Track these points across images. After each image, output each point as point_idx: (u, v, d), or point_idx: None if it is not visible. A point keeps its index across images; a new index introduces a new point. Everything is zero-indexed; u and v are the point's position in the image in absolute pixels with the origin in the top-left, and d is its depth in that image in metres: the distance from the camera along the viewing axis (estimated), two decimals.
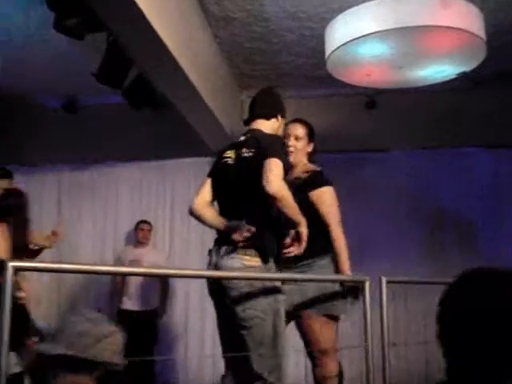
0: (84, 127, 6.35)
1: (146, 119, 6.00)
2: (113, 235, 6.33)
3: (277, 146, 2.59)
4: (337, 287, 2.94)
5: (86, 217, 6.38)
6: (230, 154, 2.74)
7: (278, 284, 2.57)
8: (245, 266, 2.49)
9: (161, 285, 5.71)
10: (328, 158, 6.00)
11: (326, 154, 6.03)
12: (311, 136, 3.15)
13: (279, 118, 2.83)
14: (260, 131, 2.76)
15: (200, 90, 4.53)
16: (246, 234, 2.47)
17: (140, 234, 5.83)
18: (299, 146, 3.07)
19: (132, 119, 6.02)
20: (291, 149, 3.04)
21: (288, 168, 2.59)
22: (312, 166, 3.09)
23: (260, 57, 5.42)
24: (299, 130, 3.07)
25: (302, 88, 6.05)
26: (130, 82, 4.61)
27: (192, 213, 2.73)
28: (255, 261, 2.50)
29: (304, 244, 2.54)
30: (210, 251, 2.65)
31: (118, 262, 5.74)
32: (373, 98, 6.05)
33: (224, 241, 2.56)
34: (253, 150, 2.63)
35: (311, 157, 3.15)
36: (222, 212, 2.70)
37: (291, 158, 2.97)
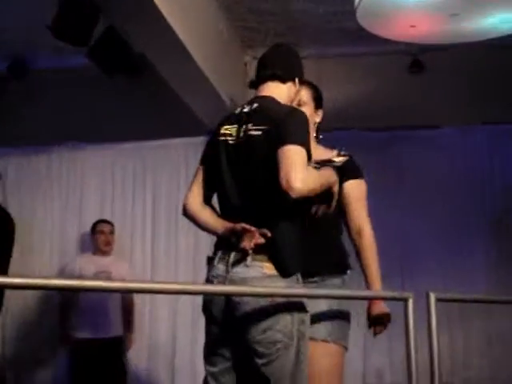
0: (38, 97, 6.35)
1: (119, 87, 5.97)
2: (76, 239, 6.33)
3: (297, 126, 2.55)
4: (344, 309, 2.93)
5: (42, 215, 6.38)
6: (231, 129, 2.67)
7: (305, 301, 2.58)
8: (265, 275, 2.50)
9: (123, 305, 5.67)
10: (359, 137, 6.08)
11: (356, 132, 6.13)
12: (318, 101, 3.11)
13: (297, 81, 2.80)
14: (273, 100, 2.69)
15: (190, 48, 4.52)
16: (259, 241, 2.46)
17: (101, 238, 5.78)
18: (307, 111, 2.94)
19: (101, 87, 5.99)
20: None
21: (310, 152, 2.57)
22: (335, 151, 3.08)
23: (269, 4, 5.39)
24: (302, 93, 3.00)
25: (323, 45, 6.03)
26: (98, 37, 4.60)
27: (185, 213, 2.75)
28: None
29: (334, 202, 2.63)
30: (210, 259, 2.65)
31: (64, 275, 5.71)
32: (418, 58, 6.04)
33: (230, 245, 2.55)
34: (263, 128, 2.57)
35: (319, 130, 3.11)
36: (224, 210, 2.69)
37: None
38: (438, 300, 2.59)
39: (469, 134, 6.13)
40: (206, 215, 2.69)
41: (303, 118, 2.62)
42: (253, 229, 2.46)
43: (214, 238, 2.72)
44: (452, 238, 5.90)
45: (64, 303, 5.66)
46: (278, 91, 2.74)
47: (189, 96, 5.39)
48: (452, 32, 4.09)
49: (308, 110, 3.02)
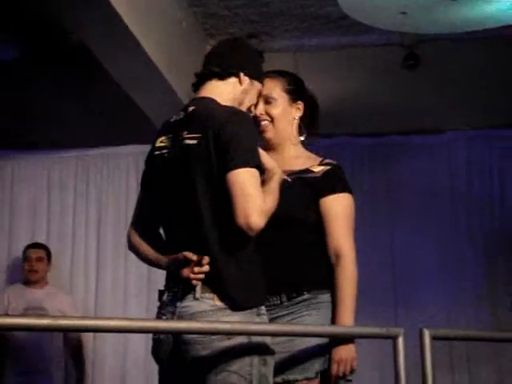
0: None
1: (55, 83, 5.96)
2: (5, 267, 6.29)
3: (241, 137, 2.56)
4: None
5: None
6: (165, 141, 2.73)
7: (268, 340, 2.60)
8: (215, 307, 2.54)
9: (71, 350, 5.69)
10: (343, 144, 6.11)
11: (340, 138, 6.15)
12: (295, 92, 3.07)
13: (243, 77, 2.78)
14: (211, 101, 2.72)
15: (140, 37, 4.52)
16: (198, 269, 2.51)
17: (26, 265, 5.81)
18: (276, 113, 3.02)
19: (33, 83, 5.97)
20: (264, 123, 3.01)
21: (261, 164, 2.60)
22: (320, 159, 3.05)
23: None
24: (269, 86, 3.00)
25: (301, 35, 6.07)
26: (24, 19, 4.56)
27: (130, 247, 2.84)
28: None
29: None
30: (161, 293, 2.70)
31: None
32: (413, 51, 6.07)
33: (180, 278, 2.59)
34: (198, 135, 2.60)
35: (306, 128, 3.09)
36: (166, 237, 2.77)
37: (268, 136, 2.99)
38: (434, 338, 2.61)
39: (474, 140, 6.19)
40: (144, 247, 2.77)
41: (247, 123, 2.64)
42: (194, 257, 2.51)
43: None
44: (455, 263, 5.96)
45: None
46: (218, 91, 2.76)
47: (140, 95, 5.38)
48: (451, 20, 4.13)
49: (281, 105, 3.02)
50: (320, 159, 3.04)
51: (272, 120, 3.02)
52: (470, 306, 5.85)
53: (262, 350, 2.57)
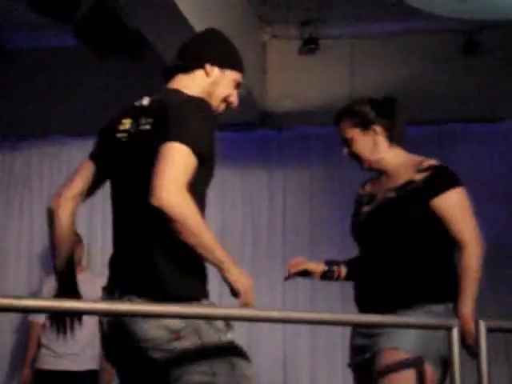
0: (14, 83, 6.37)
1: (112, 70, 6.03)
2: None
3: (189, 116, 2.48)
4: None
5: (17, 222, 6.39)
6: (127, 124, 2.65)
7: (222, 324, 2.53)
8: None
9: None
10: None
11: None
12: (364, 121, 3.17)
13: (209, 68, 2.69)
14: (177, 92, 2.64)
15: (195, 24, 4.52)
16: None
17: None
18: (355, 150, 3.18)
19: (90, 71, 6.04)
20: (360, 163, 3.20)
21: (212, 154, 2.52)
22: (418, 164, 3.12)
23: None
24: (341, 129, 3.20)
25: (357, 22, 6.03)
26: (87, 11, 4.62)
27: (49, 210, 2.75)
28: None
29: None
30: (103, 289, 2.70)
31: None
32: (473, 38, 6.01)
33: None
34: (151, 120, 2.56)
35: (392, 137, 3.19)
36: (116, 228, 2.72)
37: (366, 168, 3.20)
38: (490, 330, 2.60)
39: None
40: (64, 222, 2.73)
41: (201, 107, 2.55)
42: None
43: None
44: (510, 254, 5.89)
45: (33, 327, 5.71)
46: (184, 85, 2.68)
47: None
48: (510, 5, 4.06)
49: (357, 140, 3.16)
50: (418, 165, 3.12)
51: (358, 157, 3.20)
52: None
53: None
